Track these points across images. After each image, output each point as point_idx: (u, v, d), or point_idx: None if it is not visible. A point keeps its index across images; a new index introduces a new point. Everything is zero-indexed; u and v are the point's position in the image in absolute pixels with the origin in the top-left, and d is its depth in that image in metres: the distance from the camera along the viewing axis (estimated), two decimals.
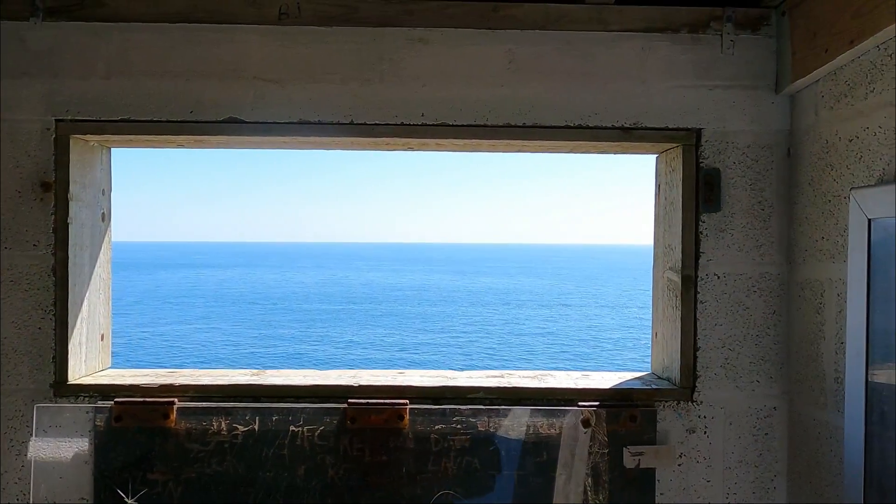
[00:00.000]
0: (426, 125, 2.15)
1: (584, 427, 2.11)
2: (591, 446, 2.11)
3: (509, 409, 2.12)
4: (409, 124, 2.15)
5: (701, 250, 2.17)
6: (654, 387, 2.20)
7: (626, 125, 2.16)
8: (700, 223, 2.17)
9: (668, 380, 2.25)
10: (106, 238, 2.36)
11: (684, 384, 2.16)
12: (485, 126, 2.16)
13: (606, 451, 2.11)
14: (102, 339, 2.35)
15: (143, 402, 2.10)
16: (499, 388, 2.17)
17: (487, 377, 2.28)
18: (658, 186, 2.38)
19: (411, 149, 2.33)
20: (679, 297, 2.18)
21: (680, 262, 2.18)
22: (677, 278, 2.19)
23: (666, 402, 2.17)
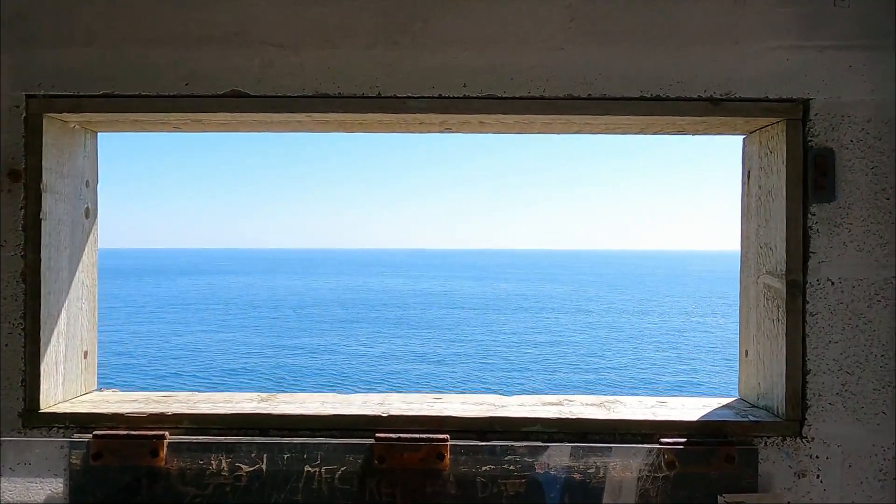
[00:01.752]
0: (469, 98, 1.77)
1: (668, 469, 1.70)
2: (675, 493, 1.70)
3: (574, 447, 1.72)
4: (449, 97, 1.77)
5: (811, 250, 1.75)
6: (751, 418, 1.78)
7: (714, 96, 1.75)
8: (809, 216, 1.75)
9: (767, 409, 1.83)
10: (90, 237, 2.01)
11: (791, 416, 1.74)
12: (541, 98, 1.76)
13: (696, 499, 1.69)
14: (86, 357, 1.99)
15: (128, 435, 1.73)
16: (559, 419, 1.77)
17: (543, 404, 1.88)
18: (748, 173, 1.97)
19: (448, 129, 1.95)
20: (782, 308, 1.76)
21: (784, 264, 1.76)
22: (780, 285, 1.77)
23: (768, 437, 1.75)
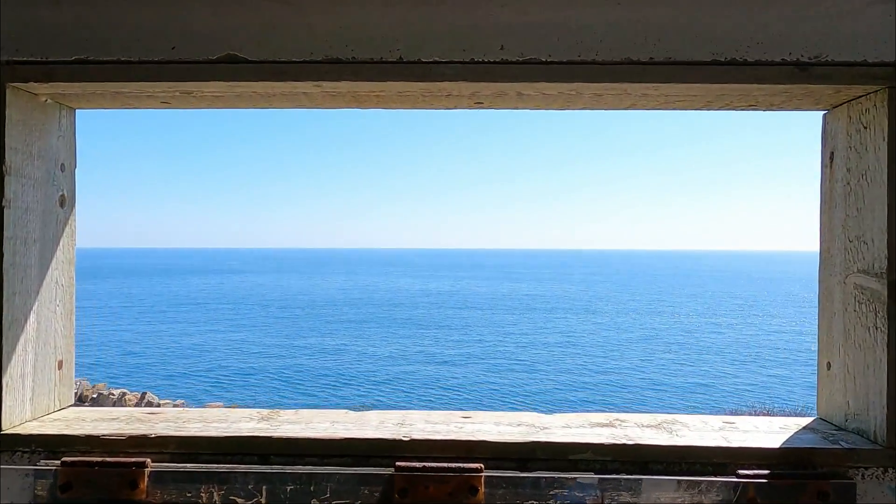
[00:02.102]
0: (507, 63, 1.48)
1: None
2: None
3: (633, 480, 1.43)
4: (483, 62, 1.49)
5: None
6: (844, 445, 1.49)
7: (801, 59, 1.47)
8: None
9: (860, 433, 1.54)
10: (67, 229, 1.74)
11: (893, 442, 1.45)
12: (593, 63, 1.48)
13: None
14: (60, 368, 1.72)
15: (103, 462, 1.46)
16: (614, 445, 1.48)
17: (591, 425, 1.60)
18: (830, 155, 1.68)
19: (480, 104, 1.67)
20: (882, 314, 1.47)
21: (884, 261, 1.47)
22: (879, 285, 1.48)
23: (866, 469, 1.46)
